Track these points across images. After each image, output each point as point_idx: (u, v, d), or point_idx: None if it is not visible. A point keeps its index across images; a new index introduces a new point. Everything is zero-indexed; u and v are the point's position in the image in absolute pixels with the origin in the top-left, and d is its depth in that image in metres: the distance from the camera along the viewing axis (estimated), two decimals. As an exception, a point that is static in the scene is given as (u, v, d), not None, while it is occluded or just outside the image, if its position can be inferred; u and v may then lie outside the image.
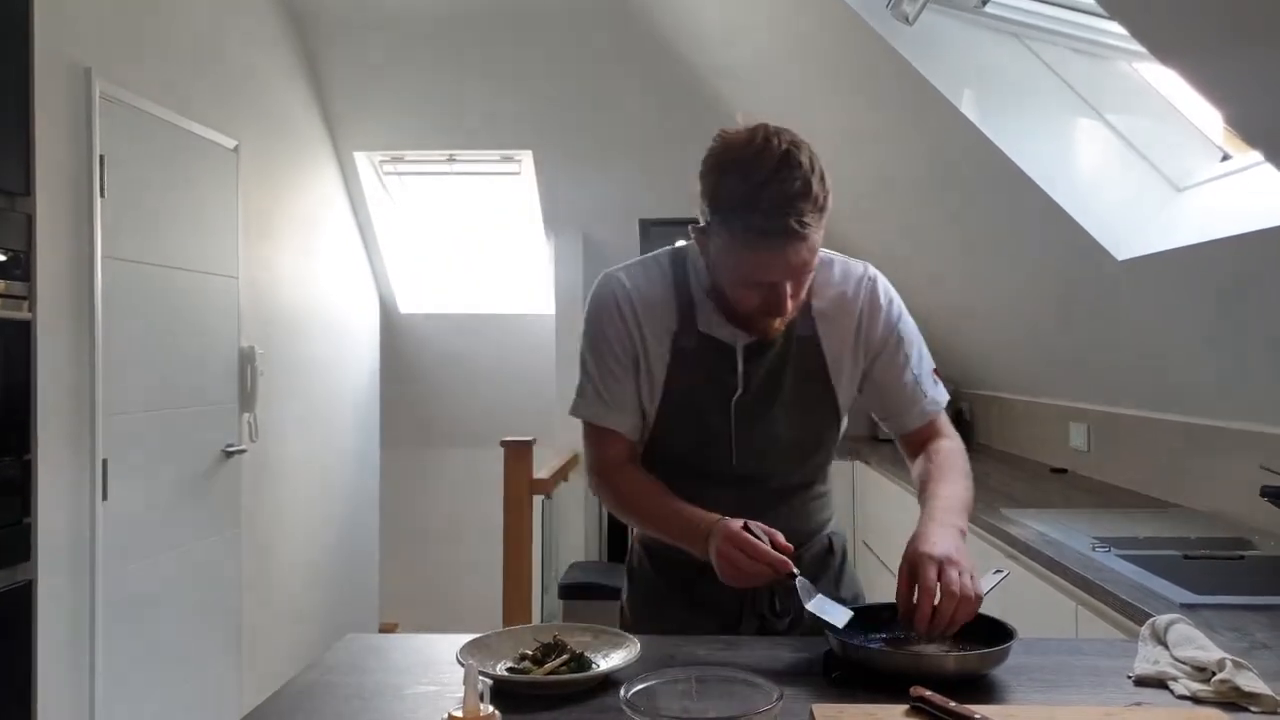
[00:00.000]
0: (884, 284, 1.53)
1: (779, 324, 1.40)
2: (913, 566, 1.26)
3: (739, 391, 1.45)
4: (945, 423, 1.57)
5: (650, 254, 1.54)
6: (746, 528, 1.32)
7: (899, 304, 1.54)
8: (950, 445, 1.53)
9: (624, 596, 1.68)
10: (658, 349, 1.47)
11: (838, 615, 1.28)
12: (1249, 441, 2.40)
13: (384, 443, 5.31)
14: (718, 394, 1.46)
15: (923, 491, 1.45)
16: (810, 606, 1.28)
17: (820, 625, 1.28)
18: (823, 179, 1.29)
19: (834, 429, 1.54)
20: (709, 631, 1.45)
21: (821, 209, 1.29)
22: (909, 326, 1.54)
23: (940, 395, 1.55)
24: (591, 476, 1.55)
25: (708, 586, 1.40)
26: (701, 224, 1.36)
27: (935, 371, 1.56)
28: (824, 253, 1.48)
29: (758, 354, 1.45)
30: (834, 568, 1.61)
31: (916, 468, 1.53)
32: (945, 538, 1.29)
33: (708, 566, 1.33)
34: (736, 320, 1.42)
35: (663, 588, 1.57)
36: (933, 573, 1.23)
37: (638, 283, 1.49)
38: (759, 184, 1.26)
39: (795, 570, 1.30)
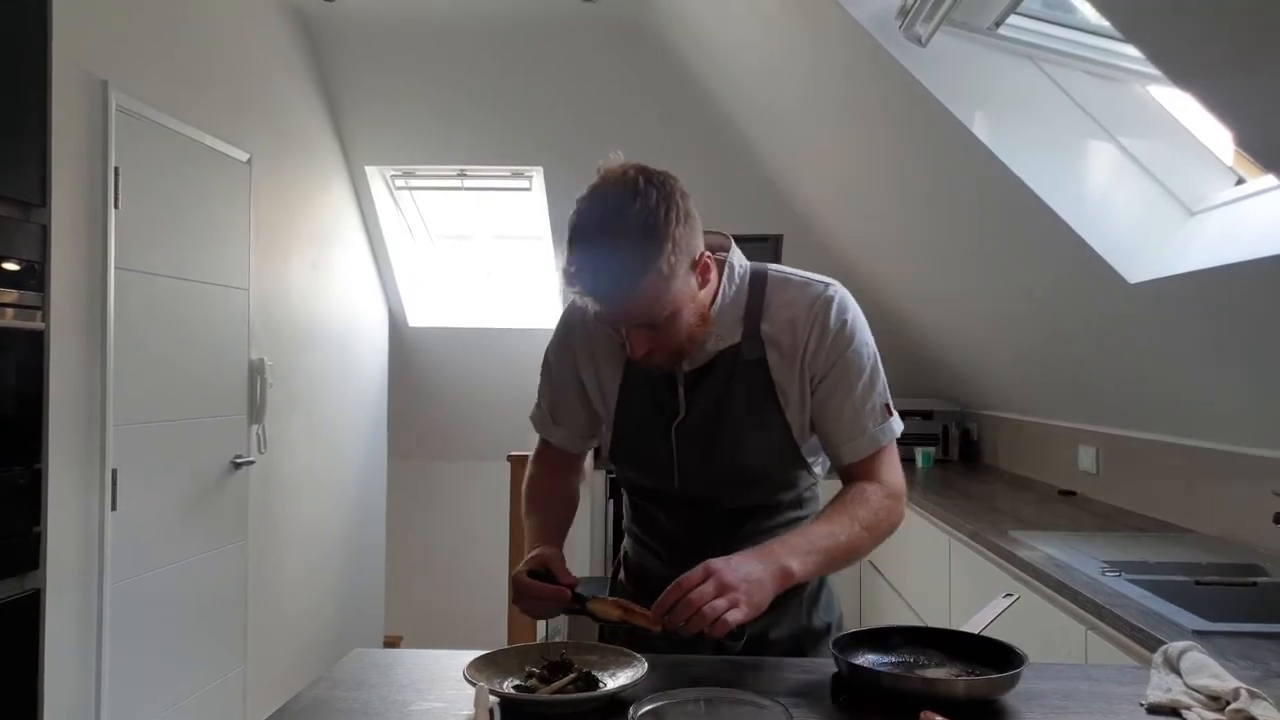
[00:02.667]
0: (841, 305, 1.43)
1: (661, 362, 1.37)
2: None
3: (680, 416, 1.45)
4: (886, 465, 1.44)
5: None
6: (534, 572, 1.37)
7: (854, 327, 1.43)
8: (871, 489, 1.40)
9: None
10: (611, 372, 1.51)
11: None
12: (1261, 467, 2.38)
13: (391, 455, 5.32)
14: (661, 418, 1.46)
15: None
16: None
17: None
18: (662, 233, 1.24)
19: (792, 454, 1.48)
20: (669, 646, 1.40)
21: (646, 266, 1.24)
22: (861, 353, 1.43)
23: (883, 434, 1.43)
24: (530, 459, 1.68)
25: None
26: None
27: (887, 407, 1.45)
28: (784, 272, 1.47)
29: (702, 379, 1.43)
30: (807, 592, 1.55)
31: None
32: (748, 563, 1.25)
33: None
34: None
35: (637, 600, 1.58)
36: (695, 577, 1.22)
37: None
38: (575, 237, 1.26)
39: (580, 594, 1.34)
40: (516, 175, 4.93)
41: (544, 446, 1.66)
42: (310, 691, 1.28)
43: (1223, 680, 1.21)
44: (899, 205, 3.73)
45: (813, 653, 1.53)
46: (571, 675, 1.22)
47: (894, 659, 1.31)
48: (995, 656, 1.26)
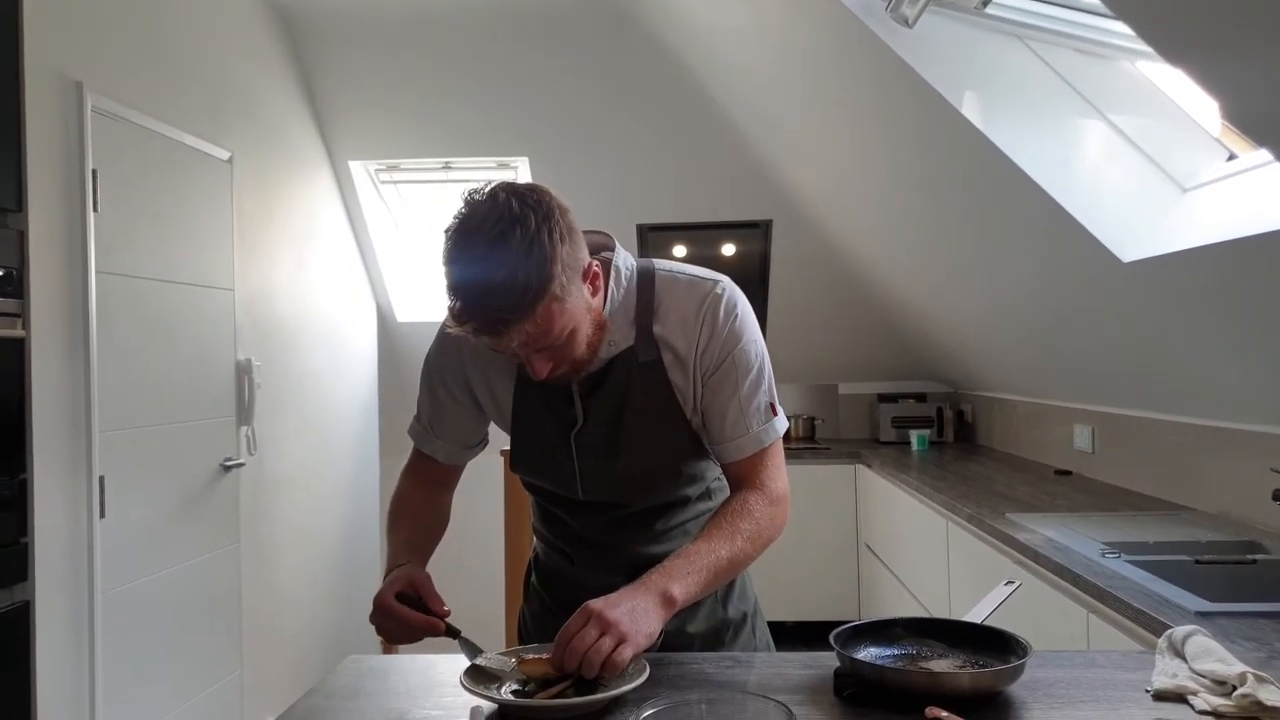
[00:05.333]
0: (729, 302, 1.40)
1: (563, 373, 1.33)
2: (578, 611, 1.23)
3: (579, 424, 1.41)
4: (768, 466, 1.43)
5: None
6: (403, 594, 1.29)
7: (743, 324, 1.41)
8: (753, 499, 1.40)
9: (522, 613, 1.68)
10: (502, 380, 1.46)
11: (506, 667, 1.25)
12: (1259, 443, 2.38)
13: (383, 452, 5.29)
14: (558, 427, 1.42)
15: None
16: (476, 661, 1.26)
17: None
18: (549, 256, 1.19)
19: (696, 451, 1.47)
20: None
21: (538, 294, 1.19)
22: (748, 351, 1.41)
23: (766, 434, 1.42)
24: (402, 471, 1.61)
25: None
26: None
27: (772, 406, 1.43)
28: (672, 270, 1.43)
29: (598, 385, 1.40)
30: (718, 590, 1.53)
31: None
32: (627, 599, 1.23)
33: (592, 586, 1.32)
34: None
35: (551, 604, 1.58)
36: (576, 624, 1.19)
37: None
38: (457, 276, 1.20)
39: (454, 629, 1.29)
40: (502, 166, 4.89)
41: (419, 461, 1.58)
42: (305, 702, 1.25)
43: (1229, 664, 1.19)
44: (889, 188, 3.70)
45: (732, 643, 1.54)
46: (570, 680, 1.19)
47: (896, 651, 1.29)
48: (999, 645, 1.24)
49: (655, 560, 1.37)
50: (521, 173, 4.83)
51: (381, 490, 5.28)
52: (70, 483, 2.65)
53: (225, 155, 3.53)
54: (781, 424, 1.45)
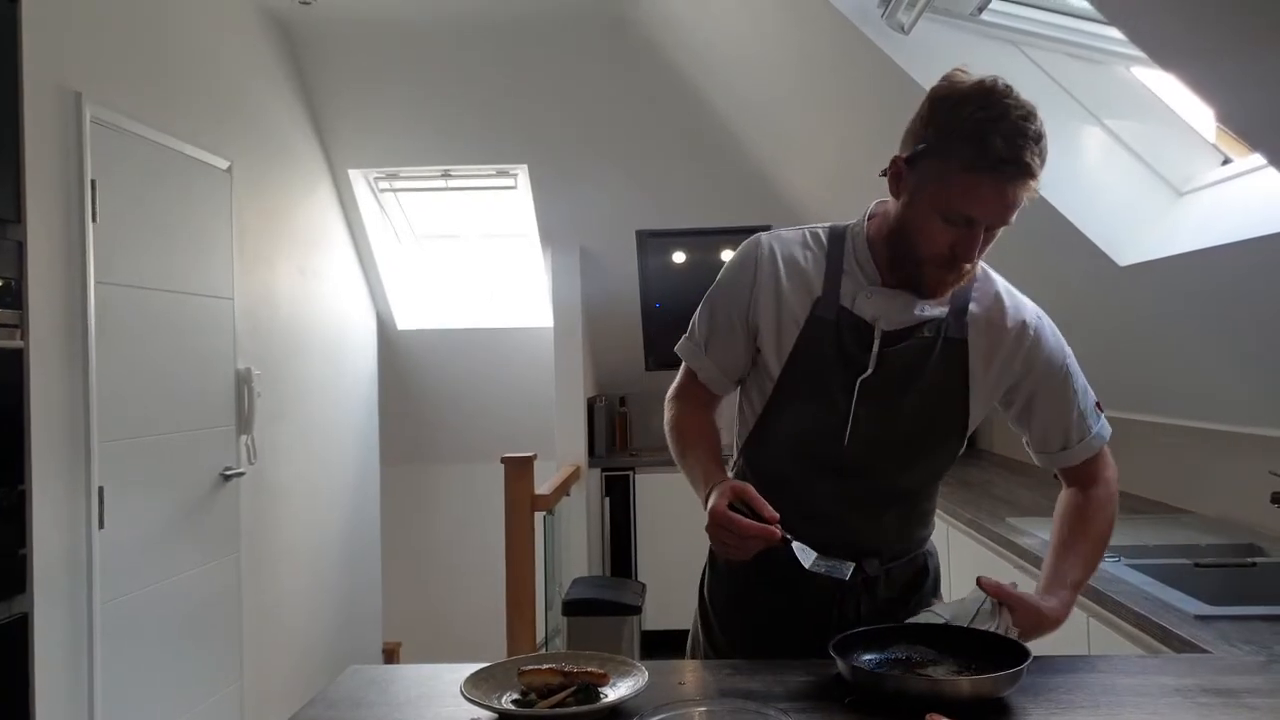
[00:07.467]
0: (1049, 319, 1.50)
1: (953, 280, 1.37)
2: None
3: (868, 372, 1.40)
4: (1107, 458, 1.55)
5: (809, 225, 1.55)
6: (732, 505, 1.30)
7: (1060, 335, 1.51)
8: (1108, 506, 1.54)
9: (704, 584, 1.63)
10: (796, 312, 1.44)
11: (841, 569, 1.31)
12: (1258, 446, 2.38)
13: (384, 460, 5.29)
14: (846, 371, 1.41)
15: (1060, 542, 1.51)
16: (810, 567, 1.30)
17: (830, 583, 1.32)
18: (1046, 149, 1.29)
19: (955, 440, 1.48)
20: (798, 626, 1.44)
21: (1041, 167, 1.29)
22: (1075, 362, 1.50)
23: (1104, 430, 1.52)
24: (670, 396, 1.61)
25: (801, 583, 1.40)
26: (910, 154, 1.35)
27: (1098, 405, 1.53)
28: (990, 270, 1.48)
29: (896, 340, 1.41)
30: (926, 587, 1.57)
31: (1064, 504, 1.55)
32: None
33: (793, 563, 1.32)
34: (910, 267, 1.38)
35: (752, 575, 1.50)
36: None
37: (789, 246, 1.50)
38: (1001, 114, 1.26)
39: (786, 535, 1.30)
40: (501, 174, 4.90)
41: (687, 382, 1.57)
42: (306, 712, 1.25)
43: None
44: (886, 194, 3.70)
45: (934, 591, 1.59)
46: (571, 688, 1.19)
47: (896, 657, 1.29)
48: (1000, 652, 1.24)
49: (868, 554, 1.45)
50: (520, 180, 4.83)
51: (382, 498, 5.28)
52: (69, 493, 2.64)
53: (224, 164, 3.53)
54: (1106, 423, 1.54)
